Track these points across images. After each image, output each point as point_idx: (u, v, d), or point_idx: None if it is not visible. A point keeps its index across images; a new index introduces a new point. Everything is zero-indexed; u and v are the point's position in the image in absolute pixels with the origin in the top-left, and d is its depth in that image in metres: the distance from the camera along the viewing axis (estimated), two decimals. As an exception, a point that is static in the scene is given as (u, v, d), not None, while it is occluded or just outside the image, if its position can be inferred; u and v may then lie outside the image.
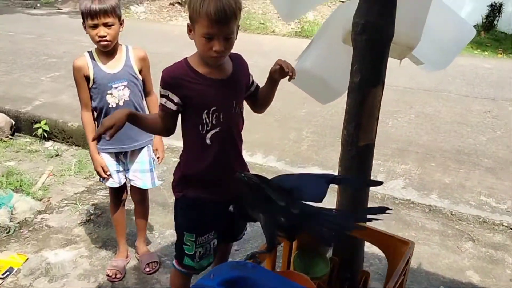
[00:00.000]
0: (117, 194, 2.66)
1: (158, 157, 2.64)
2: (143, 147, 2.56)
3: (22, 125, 4.91)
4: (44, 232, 3.07)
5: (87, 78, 2.36)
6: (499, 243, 3.04)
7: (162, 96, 1.78)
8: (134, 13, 11.58)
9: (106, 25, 2.28)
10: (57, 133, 4.69)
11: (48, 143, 4.63)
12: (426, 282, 2.66)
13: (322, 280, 1.68)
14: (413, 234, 3.10)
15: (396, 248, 1.61)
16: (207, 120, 1.79)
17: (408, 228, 3.18)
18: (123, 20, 2.38)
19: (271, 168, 3.95)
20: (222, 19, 1.64)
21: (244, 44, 8.78)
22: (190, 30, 1.77)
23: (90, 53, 2.41)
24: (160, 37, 9.03)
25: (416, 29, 1.70)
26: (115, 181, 2.55)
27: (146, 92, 2.56)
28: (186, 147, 1.92)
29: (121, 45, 2.44)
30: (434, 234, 3.14)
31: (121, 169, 2.57)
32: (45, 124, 4.63)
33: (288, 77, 1.80)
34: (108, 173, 2.50)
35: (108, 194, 2.79)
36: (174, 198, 1.99)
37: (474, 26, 8.84)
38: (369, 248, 2.57)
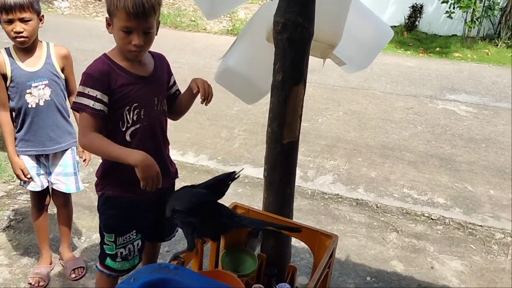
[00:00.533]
0: (39, 198, 2.52)
1: (84, 159, 2.53)
2: (66, 150, 2.44)
3: None
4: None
5: (4, 77, 2.22)
6: (420, 233, 3.21)
7: (90, 97, 1.66)
8: (57, 8, 11.06)
9: (22, 20, 2.15)
10: (-27, 135, 4.38)
11: (-38, 146, 4.31)
12: (354, 273, 2.76)
13: (250, 277, 1.68)
14: (341, 228, 3.20)
15: (320, 242, 1.65)
16: (128, 117, 1.75)
17: (337, 222, 3.28)
18: (42, 16, 2.26)
19: (203, 167, 3.93)
20: (140, 13, 1.62)
21: (175, 41, 8.71)
22: (108, 24, 1.73)
23: (7, 50, 2.27)
24: (86, 33, 8.70)
25: (337, 26, 1.74)
26: (37, 185, 2.42)
27: (69, 92, 2.43)
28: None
29: (41, 42, 2.32)
30: (361, 226, 3.26)
31: (43, 172, 2.44)
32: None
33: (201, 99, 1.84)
34: (29, 176, 2.36)
35: (30, 199, 2.64)
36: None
37: (397, 26, 9.36)
38: (299, 243, 2.63)
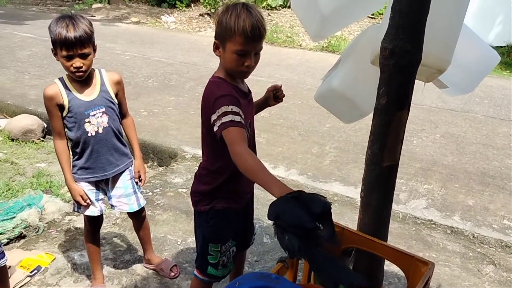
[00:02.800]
0: (95, 222, 2.56)
1: (140, 180, 2.55)
2: (124, 171, 2.48)
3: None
4: (72, 233, 3.18)
5: (60, 107, 2.23)
6: (521, 268, 3.02)
7: (234, 113, 1.68)
8: (164, 22, 11.83)
9: (82, 55, 2.15)
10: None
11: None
12: (446, 304, 2.66)
13: (341, 296, 1.70)
14: (433, 255, 3.10)
15: (416, 268, 1.63)
16: (248, 133, 1.84)
17: (429, 248, 3.18)
18: (96, 45, 2.25)
19: (293, 181, 3.99)
20: (256, 37, 1.72)
21: (270, 56, 8.92)
22: (217, 47, 1.82)
23: (61, 80, 2.27)
24: (189, 47, 9.20)
25: (447, 51, 1.73)
26: (96, 209, 2.45)
27: (122, 115, 2.48)
28: (214, 160, 1.95)
29: (93, 69, 2.32)
30: (455, 256, 3.13)
31: (102, 197, 2.48)
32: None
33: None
34: (88, 201, 2.39)
35: (84, 224, 2.61)
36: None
37: (503, 47, 8.79)
38: (388, 266, 2.59)
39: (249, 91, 1.99)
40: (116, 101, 2.39)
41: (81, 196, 2.36)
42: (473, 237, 3.33)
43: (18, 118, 4.87)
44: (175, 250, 3.04)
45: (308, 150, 4.65)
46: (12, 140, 4.72)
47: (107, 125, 2.33)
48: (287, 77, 7.10)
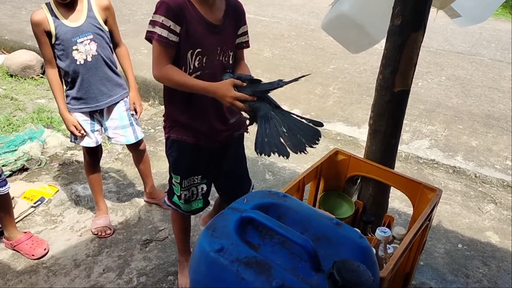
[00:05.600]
0: (93, 154, 2.53)
1: (136, 112, 2.48)
2: (118, 102, 2.41)
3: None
4: (74, 167, 3.17)
5: (48, 34, 2.16)
6: (522, 207, 3.03)
7: (162, 26, 1.62)
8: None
9: None
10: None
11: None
12: (445, 239, 2.69)
13: (346, 222, 1.71)
14: (435, 193, 3.11)
15: (422, 195, 1.62)
16: (190, 61, 1.73)
17: (431, 186, 3.19)
18: None
19: (296, 120, 3.94)
20: None
21: (274, -4, 8.54)
22: None
23: (48, 5, 2.17)
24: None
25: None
26: (92, 141, 2.42)
27: (115, 44, 2.38)
28: (169, 89, 1.83)
29: None
30: (456, 194, 3.15)
31: (97, 128, 2.44)
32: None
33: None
34: (82, 132, 2.36)
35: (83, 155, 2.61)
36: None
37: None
38: (394, 198, 2.60)
39: (222, 23, 1.77)
40: (105, 28, 2.28)
41: (75, 126, 2.33)
42: (475, 176, 3.33)
43: (16, 53, 4.76)
44: (165, 189, 3.04)
45: (312, 90, 4.58)
46: (11, 76, 4.64)
47: (96, 53, 2.24)
48: (290, 17, 6.89)
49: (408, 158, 3.53)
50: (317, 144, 1.49)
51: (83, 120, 2.36)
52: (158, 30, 1.63)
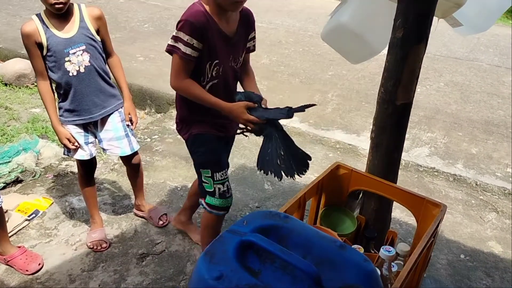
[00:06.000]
0: (88, 167, 2.47)
1: (132, 122, 2.43)
2: (113, 113, 2.36)
3: (48, 73, 4.93)
4: (69, 178, 3.12)
5: (39, 46, 2.10)
6: (523, 216, 2.99)
7: (186, 44, 1.74)
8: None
9: None
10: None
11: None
12: (447, 250, 2.65)
13: (348, 238, 1.66)
14: (436, 202, 3.07)
15: (426, 210, 1.58)
16: (208, 71, 1.87)
17: (431, 196, 3.14)
18: None
19: (295, 129, 3.91)
20: None
21: (272, 2, 8.60)
22: None
23: (39, 16, 2.13)
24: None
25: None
26: (86, 153, 2.36)
27: (107, 54, 2.33)
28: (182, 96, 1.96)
29: (72, 4, 2.16)
30: (458, 203, 3.11)
31: (91, 140, 2.38)
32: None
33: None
34: (76, 144, 2.30)
35: (77, 168, 2.56)
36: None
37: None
38: (396, 212, 2.56)
39: (236, 33, 1.91)
40: (97, 38, 2.24)
41: (68, 139, 2.27)
42: (476, 184, 3.30)
43: (11, 62, 4.70)
44: (175, 195, 3.00)
45: (310, 97, 4.54)
46: (6, 84, 4.58)
47: (89, 64, 2.19)
48: (288, 23, 6.86)
49: (408, 166, 3.49)
50: (303, 174, 1.65)
51: (77, 132, 2.31)
52: (182, 47, 1.75)
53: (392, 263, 1.53)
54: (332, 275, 1.05)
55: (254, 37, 2.04)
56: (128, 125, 2.42)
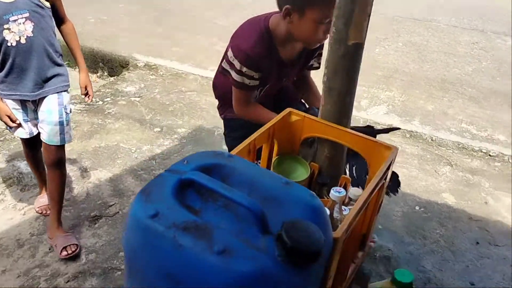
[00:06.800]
0: (30, 146, 2.26)
1: (88, 95, 2.22)
2: (51, 94, 2.06)
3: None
4: (16, 143, 2.96)
5: None
6: (476, 168, 3.06)
7: (249, 77, 1.75)
8: None
9: None
10: None
11: None
12: (402, 202, 2.68)
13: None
14: (393, 157, 3.09)
15: (378, 153, 1.56)
16: (257, 94, 1.90)
17: (388, 151, 3.17)
18: None
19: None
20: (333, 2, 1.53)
21: None
22: (289, 13, 1.68)
23: None
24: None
25: None
26: (25, 132, 2.11)
27: (59, 20, 2.07)
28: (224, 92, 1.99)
29: None
30: (413, 158, 3.14)
31: (30, 118, 2.10)
32: None
33: None
34: (18, 122, 2.05)
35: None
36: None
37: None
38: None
39: (297, 58, 1.90)
40: (46, 4, 1.94)
41: (9, 117, 2.02)
42: (432, 140, 3.34)
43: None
44: (129, 158, 2.90)
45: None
46: None
47: (31, 35, 1.90)
48: None
49: (366, 123, 3.50)
50: None
51: (14, 108, 2.04)
52: (239, 78, 1.77)
53: (345, 207, 1.51)
54: (276, 211, 1.01)
55: (319, 54, 2.01)
56: (67, 112, 2.12)
